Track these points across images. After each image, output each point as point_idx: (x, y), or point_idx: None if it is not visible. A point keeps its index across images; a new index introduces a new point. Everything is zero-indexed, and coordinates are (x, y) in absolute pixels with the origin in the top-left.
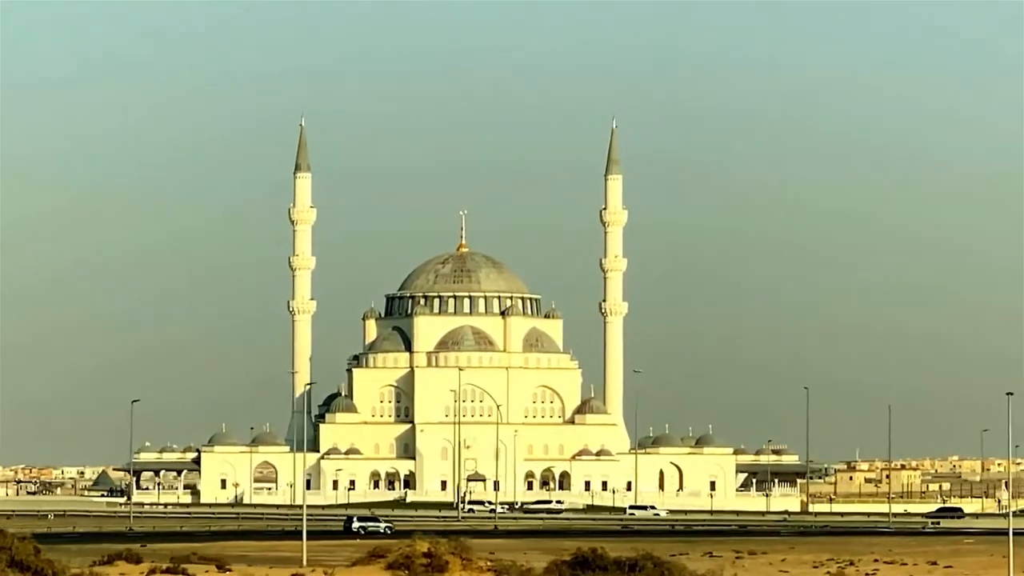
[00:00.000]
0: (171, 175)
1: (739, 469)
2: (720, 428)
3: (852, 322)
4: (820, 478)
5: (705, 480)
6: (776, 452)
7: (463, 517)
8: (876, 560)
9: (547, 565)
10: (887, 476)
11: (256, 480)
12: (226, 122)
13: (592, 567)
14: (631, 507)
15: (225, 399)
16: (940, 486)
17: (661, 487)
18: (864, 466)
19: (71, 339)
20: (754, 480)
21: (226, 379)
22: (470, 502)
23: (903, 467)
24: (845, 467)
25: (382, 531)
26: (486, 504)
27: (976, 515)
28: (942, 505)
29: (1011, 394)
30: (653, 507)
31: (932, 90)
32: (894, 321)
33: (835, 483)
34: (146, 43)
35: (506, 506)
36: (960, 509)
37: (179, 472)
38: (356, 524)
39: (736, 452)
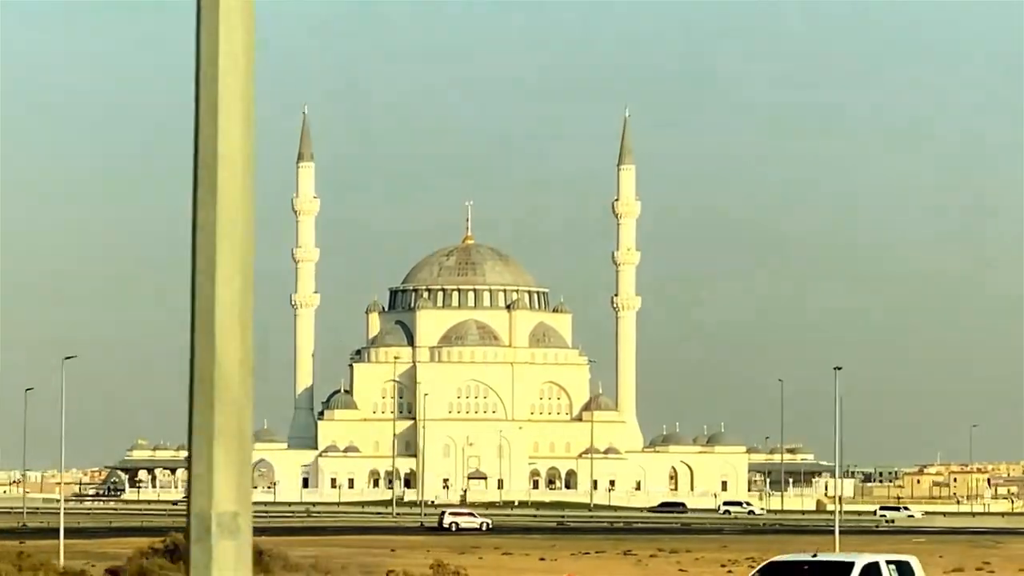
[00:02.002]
0: (168, 164)
1: (753, 468)
2: (741, 427)
3: (890, 321)
4: (890, 481)
5: (716, 479)
6: (791, 451)
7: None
8: (731, 560)
9: None
10: (954, 480)
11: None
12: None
13: None
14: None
15: None
16: (1008, 489)
17: (676, 486)
18: (933, 470)
19: (66, 332)
20: (767, 479)
21: None
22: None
23: (978, 470)
24: (916, 470)
25: (478, 527)
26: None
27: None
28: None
29: None
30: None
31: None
32: (931, 316)
33: (903, 486)
34: (144, 30)
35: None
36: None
37: (173, 470)
38: (448, 519)
39: (749, 451)
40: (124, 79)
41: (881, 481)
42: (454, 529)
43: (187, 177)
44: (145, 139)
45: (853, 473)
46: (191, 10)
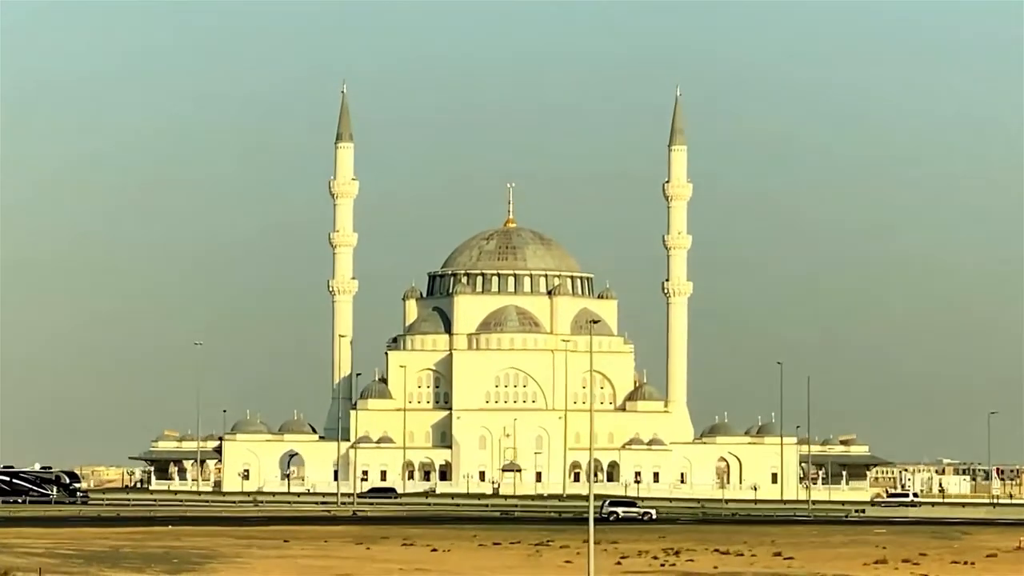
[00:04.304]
0: (204, 148)
1: (804, 460)
2: (796, 418)
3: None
4: (1010, 479)
5: (766, 471)
6: (844, 443)
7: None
8: (716, 551)
9: None
10: None
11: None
12: (264, 90)
13: None
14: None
15: (263, 386)
16: None
17: (728, 479)
18: None
19: (98, 326)
20: (819, 472)
21: (264, 365)
22: None
23: None
24: None
25: (639, 516)
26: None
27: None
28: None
29: None
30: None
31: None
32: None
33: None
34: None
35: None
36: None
37: (201, 462)
38: (607, 508)
39: (800, 442)
40: None
41: (1003, 479)
42: (612, 519)
43: None
44: None
45: (972, 471)
46: None
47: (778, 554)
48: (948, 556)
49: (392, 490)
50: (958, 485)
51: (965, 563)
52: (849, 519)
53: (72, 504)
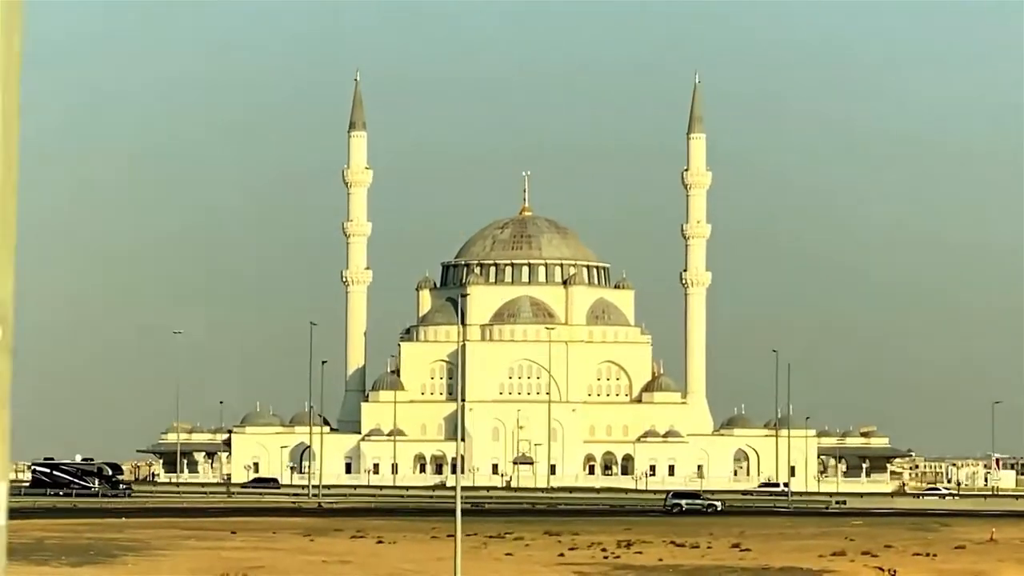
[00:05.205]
0: (215, 135)
1: (825, 453)
2: (815, 410)
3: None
4: None
5: (784, 464)
6: (864, 435)
7: None
8: (673, 543)
9: None
10: None
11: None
12: (277, 78)
13: None
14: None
15: (274, 378)
16: None
17: (747, 471)
18: None
19: (109, 311)
20: (838, 464)
21: (276, 356)
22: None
23: None
24: None
25: (703, 508)
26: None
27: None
28: None
29: None
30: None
31: None
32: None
33: None
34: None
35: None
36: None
37: (210, 454)
38: (671, 500)
39: (820, 435)
40: None
41: None
42: (676, 511)
43: None
44: None
45: (1021, 465)
46: None
47: (736, 545)
48: (914, 548)
49: (274, 480)
50: (1009, 479)
51: (927, 555)
52: (830, 511)
53: (115, 497)
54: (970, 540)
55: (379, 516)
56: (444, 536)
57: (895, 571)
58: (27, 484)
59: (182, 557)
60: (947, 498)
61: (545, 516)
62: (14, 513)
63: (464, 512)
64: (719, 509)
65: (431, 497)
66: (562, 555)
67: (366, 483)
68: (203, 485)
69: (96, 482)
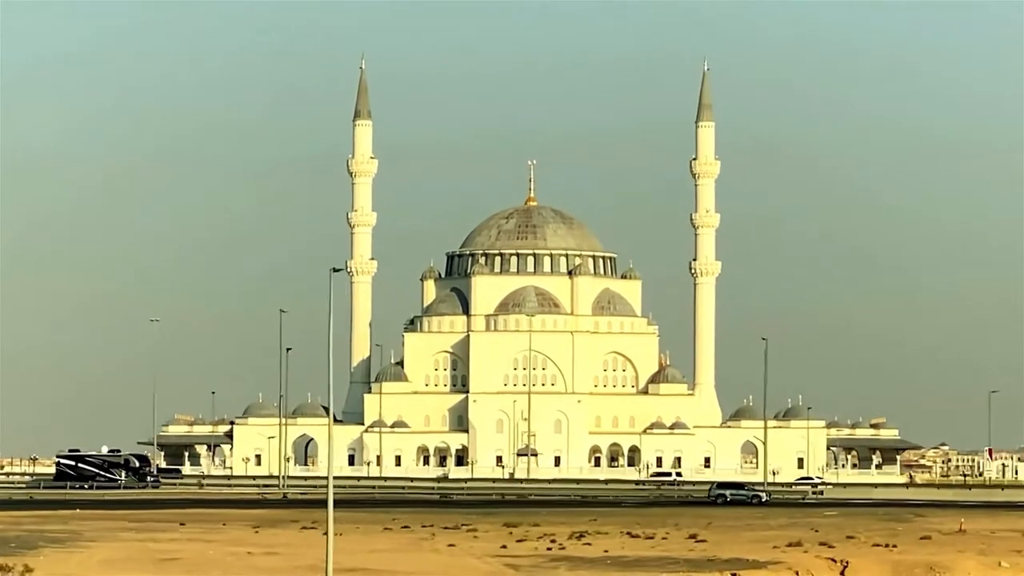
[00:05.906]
0: (220, 124)
1: (832, 444)
2: (825, 401)
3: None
4: None
5: (792, 455)
6: (874, 427)
7: None
8: (628, 534)
9: None
10: None
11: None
12: (282, 68)
13: None
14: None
15: (275, 369)
16: None
17: (756, 463)
18: None
19: (112, 303)
20: (848, 456)
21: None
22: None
23: None
24: None
25: (747, 499)
26: None
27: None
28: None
29: None
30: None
31: None
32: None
33: None
34: None
35: None
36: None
37: (211, 447)
38: (715, 491)
39: (829, 426)
40: None
41: None
42: (720, 502)
43: None
44: None
45: None
46: None
47: (693, 536)
48: (876, 539)
49: (177, 470)
50: None
51: (887, 546)
52: (807, 501)
53: (143, 489)
54: (939, 531)
55: (341, 508)
56: (399, 528)
57: (847, 562)
58: (51, 477)
59: (102, 549)
60: (957, 490)
61: (514, 507)
62: None
63: (430, 503)
64: (763, 500)
65: (401, 488)
66: (504, 547)
67: (366, 475)
68: (229, 478)
69: (123, 474)
